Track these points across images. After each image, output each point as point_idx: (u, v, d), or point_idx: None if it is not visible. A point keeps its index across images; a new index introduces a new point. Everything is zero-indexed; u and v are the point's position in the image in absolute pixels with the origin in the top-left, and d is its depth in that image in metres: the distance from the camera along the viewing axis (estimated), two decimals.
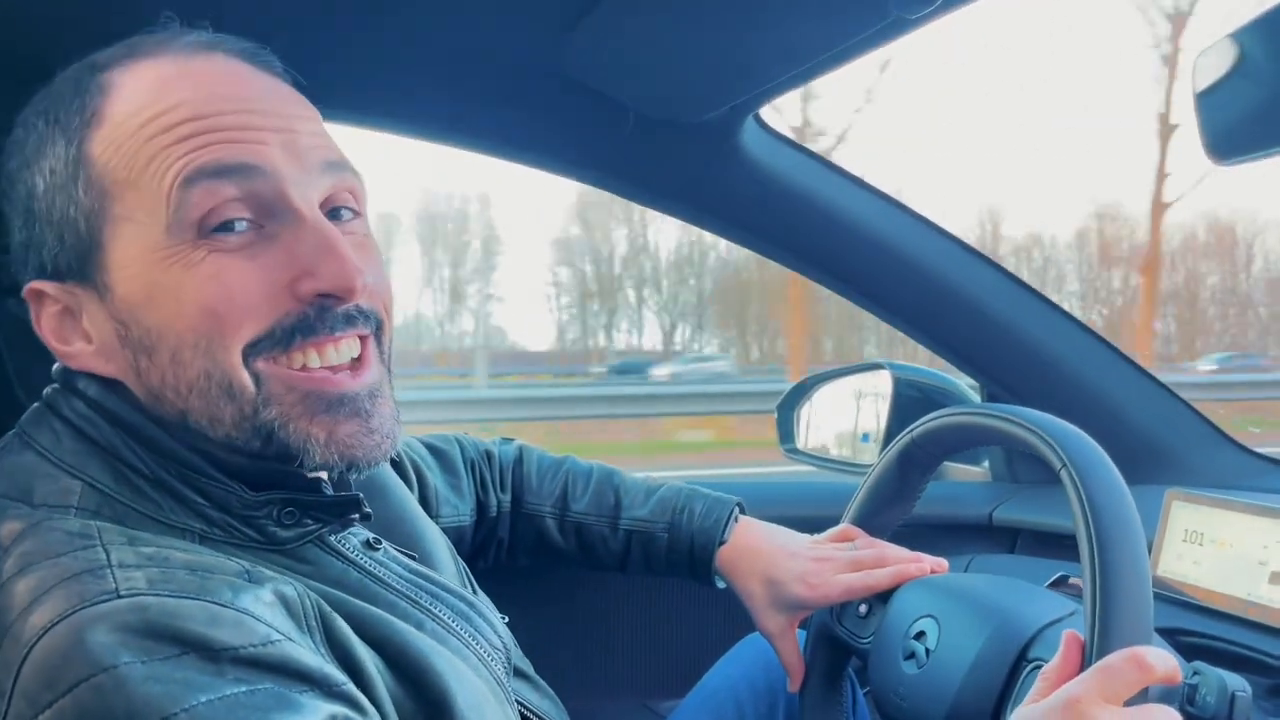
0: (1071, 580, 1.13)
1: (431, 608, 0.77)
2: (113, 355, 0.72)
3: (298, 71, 0.78)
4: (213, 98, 0.70)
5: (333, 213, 0.74)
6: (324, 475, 0.77)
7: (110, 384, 0.73)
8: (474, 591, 0.91)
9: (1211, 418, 1.44)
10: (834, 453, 1.68)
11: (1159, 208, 18.25)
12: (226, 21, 0.76)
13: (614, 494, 1.16)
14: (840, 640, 1.04)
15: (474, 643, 0.78)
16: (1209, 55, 0.72)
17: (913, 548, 1.04)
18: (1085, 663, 0.72)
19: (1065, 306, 1.47)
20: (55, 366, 0.76)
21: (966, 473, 1.66)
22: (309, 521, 0.73)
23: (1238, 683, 0.79)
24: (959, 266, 1.40)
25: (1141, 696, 0.68)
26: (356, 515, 0.76)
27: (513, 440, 1.25)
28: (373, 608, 0.71)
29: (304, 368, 0.71)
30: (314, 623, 0.64)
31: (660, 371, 21.57)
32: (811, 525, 1.12)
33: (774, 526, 1.11)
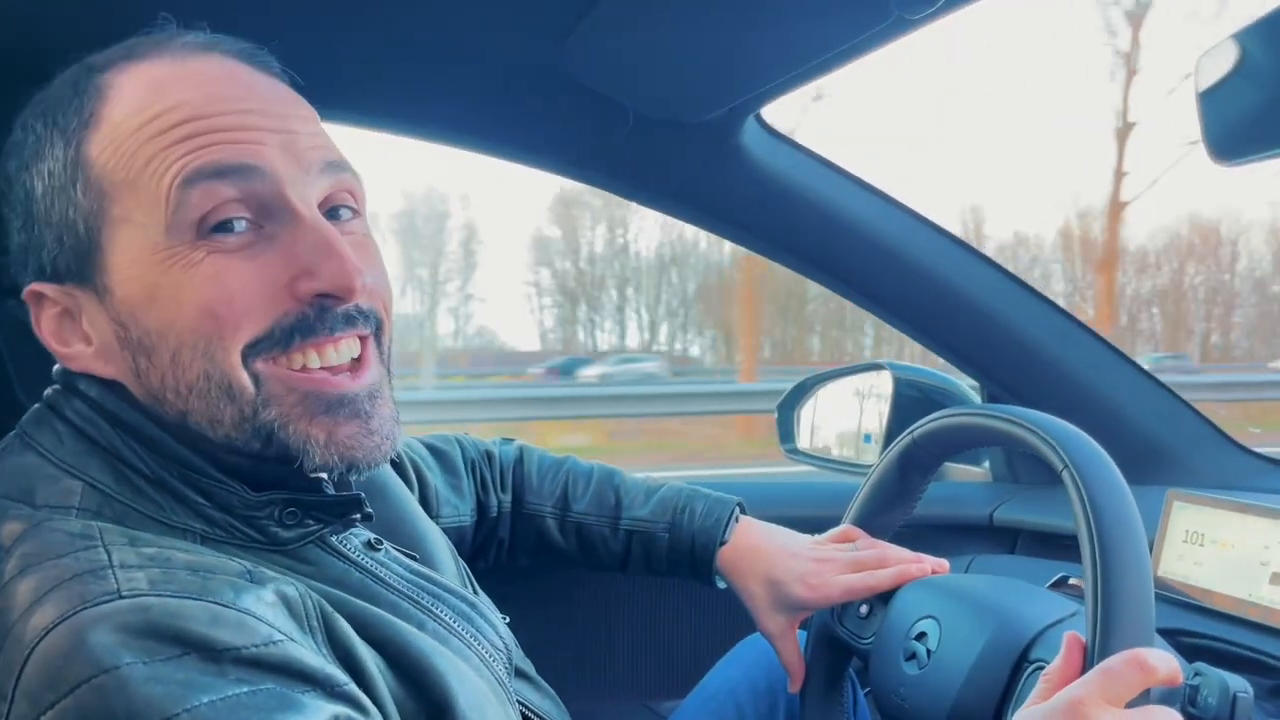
0: (1072, 581, 1.13)
1: (433, 608, 0.77)
2: (112, 357, 0.72)
3: (295, 72, 0.78)
4: (211, 98, 0.70)
5: (331, 213, 0.74)
6: (325, 475, 0.77)
7: (110, 385, 0.72)
8: (475, 592, 0.91)
9: (1212, 418, 1.44)
10: (834, 453, 1.68)
11: (1116, 206, 18.36)
12: (224, 22, 0.76)
13: (614, 494, 1.16)
14: (841, 641, 1.03)
15: (475, 643, 0.78)
16: (1211, 56, 0.72)
17: (913, 548, 1.04)
18: (1087, 664, 0.72)
19: None
20: (56, 368, 0.76)
21: (967, 473, 1.66)
22: (310, 522, 0.73)
23: (1239, 684, 0.79)
24: (960, 266, 1.40)
25: (1143, 698, 0.68)
26: (358, 515, 0.76)
27: (513, 440, 1.25)
28: (374, 608, 0.71)
29: (304, 368, 0.71)
30: (315, 623, 0.64)
31: (589, 372, 20.88)
32: (812, 526, 1.11)
33: (775, 527, 1.11)
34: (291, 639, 0.60)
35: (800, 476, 1.75)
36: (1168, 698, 0.72)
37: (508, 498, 1.18)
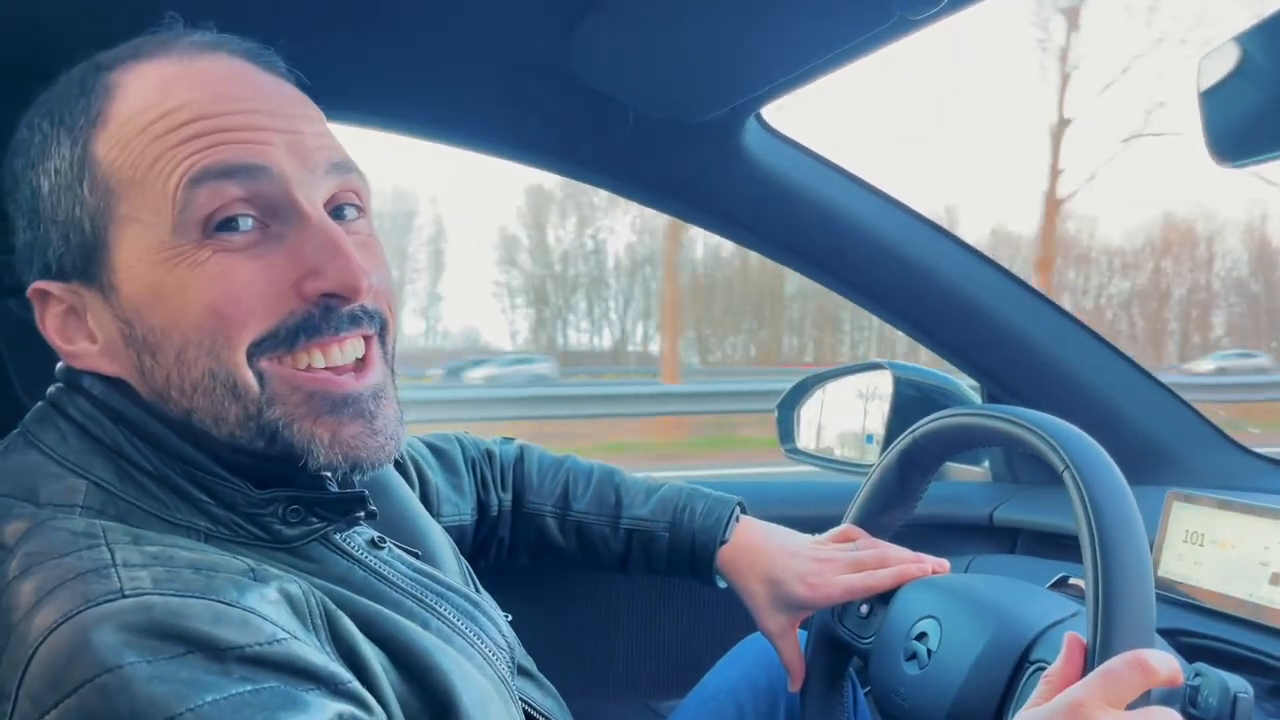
0: (1072, 581, 1.13)
1: (436, 606, 0.77)
2: (117, 355, 0.72)
3: (301, 72, 0.78)
4: (217, 98, 0.70)
5: (336, 212, 0.74)
6: (329, 474, 0.77)
7: (114, 383, 0.72)
8: (478, 590, 0.91)
9: (1212, 418, 1.44)
10: (835, 453, 1.68)
11: (1053, 204, 18.38)
12: (230, 22, 0.76)
13: (615, 493, 1.16)
14: (841, 640, 1.04)
15: (479, 641, 0.78)
16: (1213, 58, 0.73)
17: (914, 548, 1.04)
18: (1088, 665, 0.72)
19: None
20: (59, 366, 0.76)
21: (967, 473, 1.67)
22: (314, 519, 0.73)
23: (1239, 684, 0.79)
24: (960, 266, 1.40)
25: (1144, 699, 0.68)
26: (362, 513, 0.76)
27: (513, 439, 1.25)
28: (378, 606, 0.71)
29: (308, 368, 0.71)
30: (319, 621, 0.65)
31: (476, 374, 19.83)
32: (812, 525, 1.12)
33: (775, 526, 1.11)
34: (295, 637, 0.61)
35: (800, 476, 1.75)
36: (1168, 698, 0.72)
37: (508, 497, 1.18)
